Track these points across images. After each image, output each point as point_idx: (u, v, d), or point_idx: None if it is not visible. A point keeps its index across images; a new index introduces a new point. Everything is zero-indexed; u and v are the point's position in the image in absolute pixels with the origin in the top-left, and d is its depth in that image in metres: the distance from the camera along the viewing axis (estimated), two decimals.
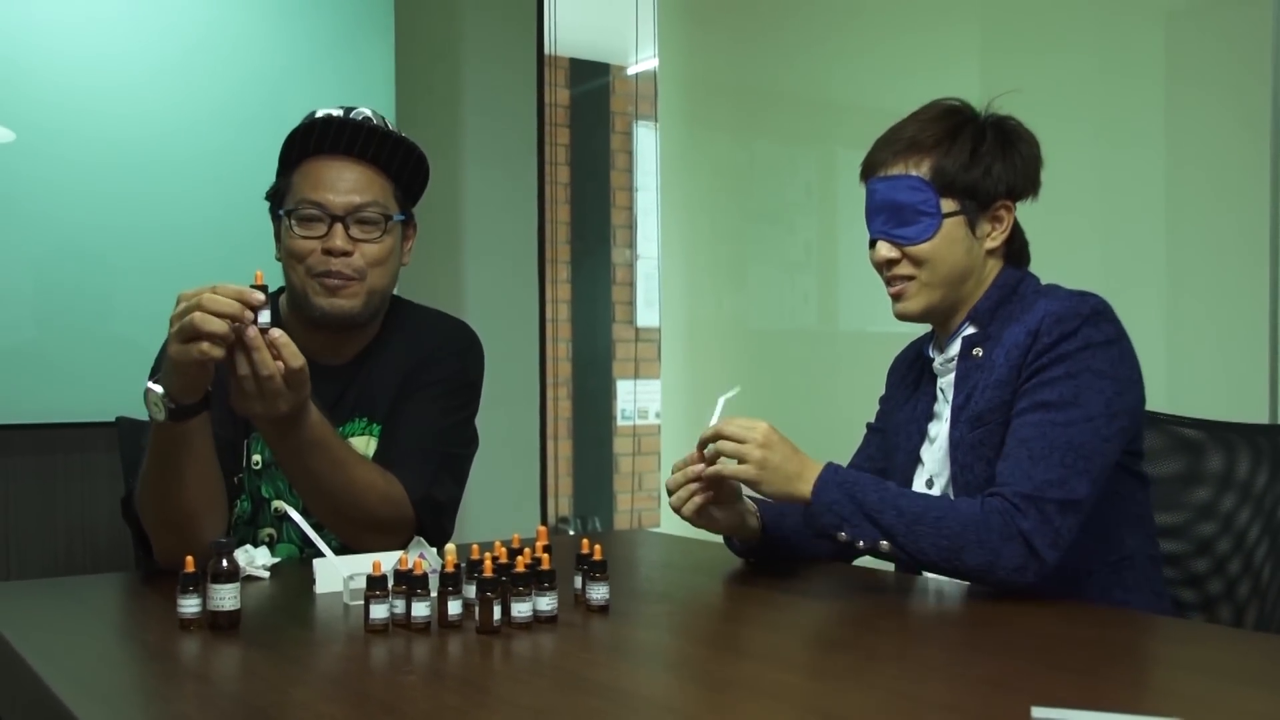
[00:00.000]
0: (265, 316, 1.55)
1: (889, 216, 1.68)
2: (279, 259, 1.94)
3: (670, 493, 1.71)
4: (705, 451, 1.65)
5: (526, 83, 3.70)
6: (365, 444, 1.95)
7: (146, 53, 2.87)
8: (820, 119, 3.51)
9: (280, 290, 1.99)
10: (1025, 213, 1.75)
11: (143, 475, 1.73)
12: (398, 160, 1.91)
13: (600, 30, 5.02)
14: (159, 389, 1.60)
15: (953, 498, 1.66)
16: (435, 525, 1.88)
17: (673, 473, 1.71)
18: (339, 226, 1.84)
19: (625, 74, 5.55)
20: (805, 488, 1.57)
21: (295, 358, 1.59)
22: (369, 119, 1.89)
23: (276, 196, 1.92)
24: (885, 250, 1.69)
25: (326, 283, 1.85)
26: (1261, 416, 2.26)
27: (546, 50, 3.77)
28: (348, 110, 1.90)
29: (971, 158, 1.66)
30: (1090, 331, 1.58)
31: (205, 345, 1.52)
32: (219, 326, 1.52)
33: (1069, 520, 1.52)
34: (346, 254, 1.85)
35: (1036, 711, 1.03)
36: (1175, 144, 2.55)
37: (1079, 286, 1.68)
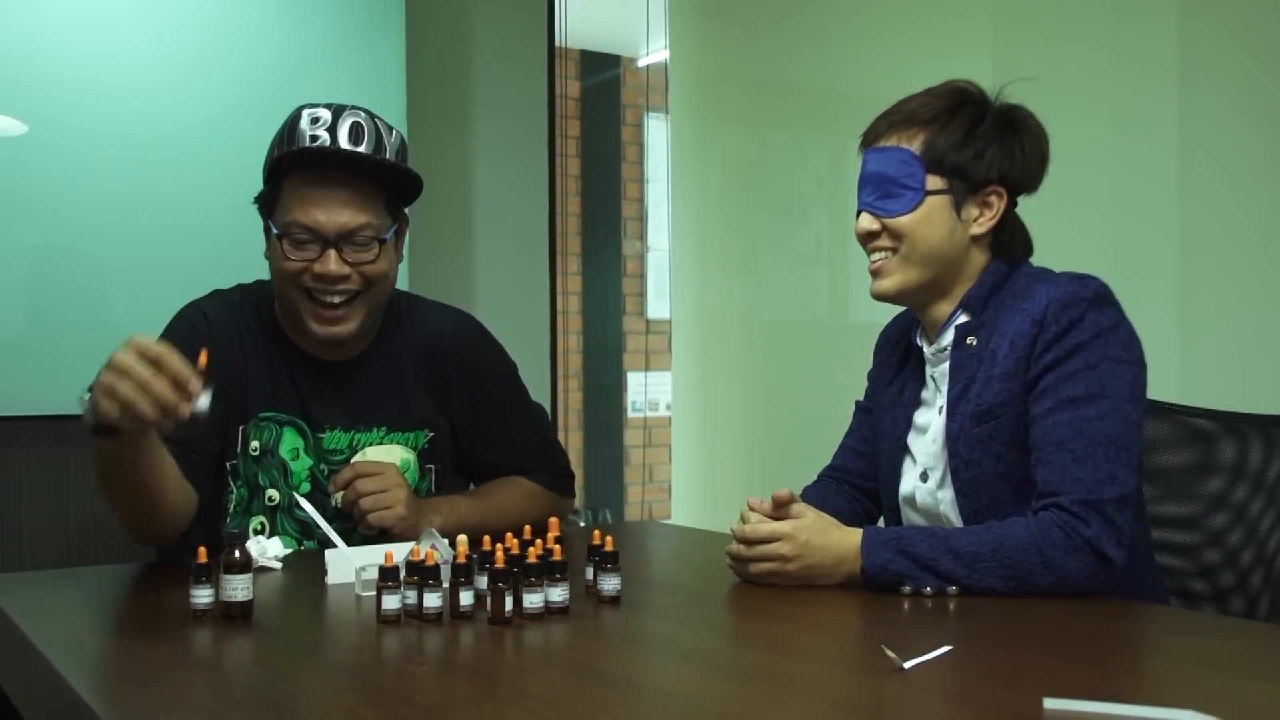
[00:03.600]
0: (204, 402, 1.48)
1: (875, 188, 1.66)
2: (266, 257, 1.89)
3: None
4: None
5: (537, 75, 3.70)
6: (385, 453, 1.95)
7: (158, 47, 2.87)
8: (831, 111, 3.50)
9: (266, 283, 1.95)
10: (1038, 204, 1.72)
11: (100, 483, 1.70)
12: (393, 172, 1.84)
13: (611, 22, 5.01)
14: (86, 397, 1.53)
15: (954, 493, 1.64)
16: (572, 489, 2.15)
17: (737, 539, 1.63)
18: (331, 251, 1.79)
19: (636, 66, 5.54)
20: (854, 562, 1.53)
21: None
22: (359, 125, 1.80)
23: (266, 203, 1.86)
24: (866, 222, 1.67)
25: (321, 312, 1.82)
26: (1275, 408, 2.25)
27: (557, 42, 3.77)
28: (337, 113, 1.81)
29: (966, 137, 1.63)
30: (1097, 317, 1.56)
31: (118, 414, 1.47)
32: (148, 412, 1.46)
33: (1126, 515, 1.52)
34: (342, 277, 1.80)
35: (1048, 702, 1.03)
36: (1188, 135, 2.54)
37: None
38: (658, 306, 5.36)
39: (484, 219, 3.60)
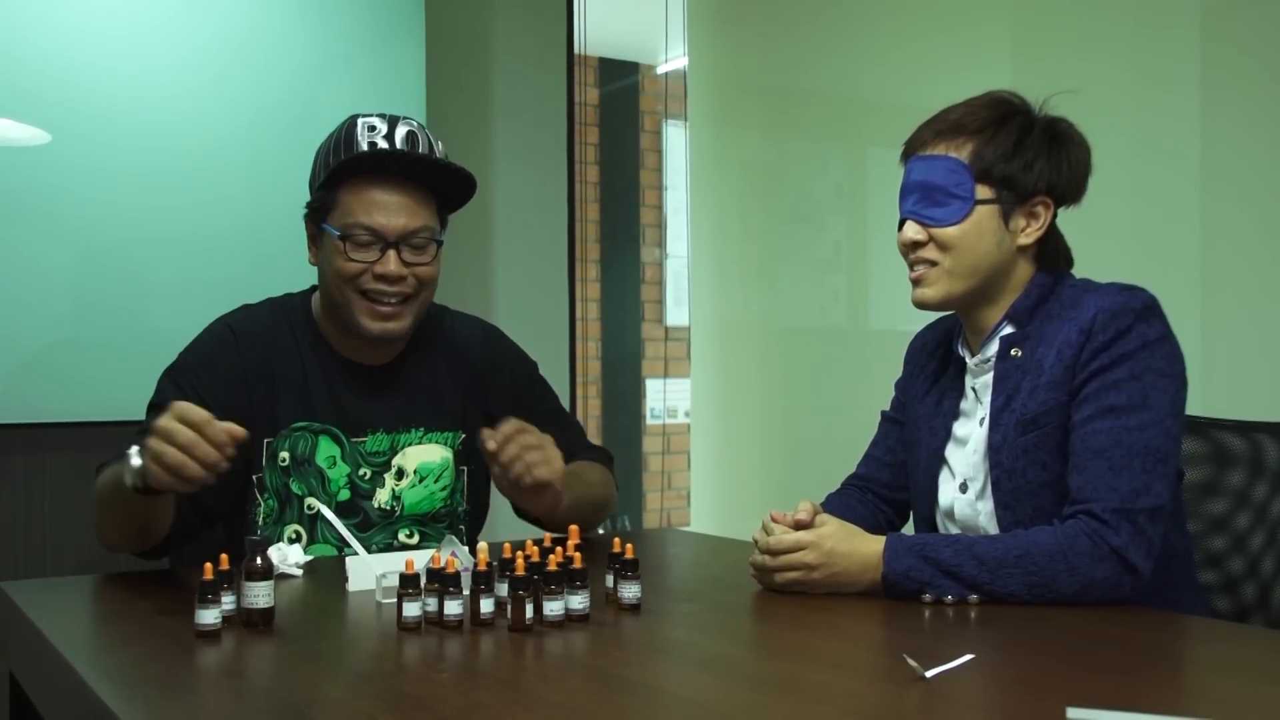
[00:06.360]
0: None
1: (921, 196, 1.64)
2: (313, 263, 1.95)
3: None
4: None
5: (556, 82, 3.71)
6: (426, 452, 1.97)
7: (178, 57, 2.89)
8: (850, 118, 3.50)
9: (312, 290, 2.01)
10: (1059, 217, 1.71)
11: (97, 502, 1.78)
12: (447, 180, 1.91)
13: (629, 29, 5.02)
14: (137, 464, 1.60)
15: (995, 505, 1.64)
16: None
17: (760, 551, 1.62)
18: (392, 252, 1.85)
19: (654, 73, 5.55)
20: (878, 569, 1.53)
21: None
22: (414, 134, 1.88)
23: (320, 208, 1.89)
24: (912, 232, 1.65)
25: (376, 309, 1.87)
26: None
27: (576, 49, 3.78)
28: (392, 123, 1.88)
29: (1015, 148, 1.62)
30: (1144, 329, 1.56)
31: (170, 480, 1.56)
32: (197, 473, 1.55)
33: (1158, 527, 1.51)
34: (401, 278, 1.86)
35: (1072, 712, 1.03)
36: (1210, 141, 2.53)
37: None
38: (676, 313, 5.37)
39: (503, 226, 3.61)
